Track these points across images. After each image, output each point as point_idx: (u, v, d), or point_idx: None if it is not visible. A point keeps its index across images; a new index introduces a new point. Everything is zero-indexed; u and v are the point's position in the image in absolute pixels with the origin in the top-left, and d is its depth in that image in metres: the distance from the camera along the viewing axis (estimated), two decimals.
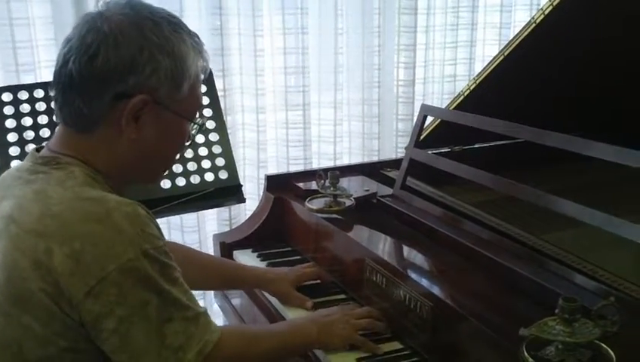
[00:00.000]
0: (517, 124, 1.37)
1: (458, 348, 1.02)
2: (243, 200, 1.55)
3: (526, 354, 0.80)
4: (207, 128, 1.58)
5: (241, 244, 1.73)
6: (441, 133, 1.78)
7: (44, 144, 0.97)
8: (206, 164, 1.55)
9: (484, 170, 1.50)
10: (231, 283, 1.43)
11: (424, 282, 1.12)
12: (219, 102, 1.62)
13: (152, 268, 0.84)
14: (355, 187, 1.74)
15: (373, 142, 2.16)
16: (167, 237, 2.00)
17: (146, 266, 0.83)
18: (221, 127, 1.59)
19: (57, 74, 0.91)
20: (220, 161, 1.56)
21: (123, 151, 0.92)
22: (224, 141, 1.58)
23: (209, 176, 1.54)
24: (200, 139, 1.57)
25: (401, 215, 1.49)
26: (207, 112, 1.60)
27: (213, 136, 1.58)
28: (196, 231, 2.00)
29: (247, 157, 2.06)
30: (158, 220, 1.90)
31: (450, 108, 1.79)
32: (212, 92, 1.62)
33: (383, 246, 1.37)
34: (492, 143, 1.89)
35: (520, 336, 0.79)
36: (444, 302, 1.05)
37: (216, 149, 1.57)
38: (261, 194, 1.79)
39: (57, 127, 0.96)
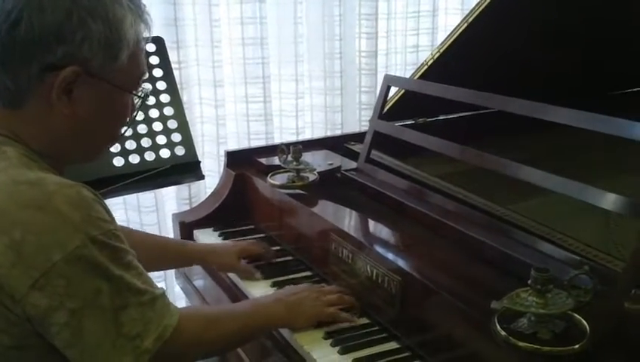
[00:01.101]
0: (482, 92, 1.33)
1: (428, 322, 0.99)
2: (202, 177, 1.49)
3: (498, 326, 0.77)
4: (161, 102, 1.51)
5: (202, 223, 1.68)
6: (404, 105, 1.75)
7: None
8: (161, 139, 1.48)
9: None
10: (176, 261, 1.40)
11: (391, 256, 1.09)
12: (172, 74, 1.54)
13: (102, 254, 0.78)
14: (318, 161, 1.70)
15: (336, 115, 2.12)
16: (124, 218, 1.94)
17: (95, 253, 0.77)
18: (176, 101, 1.52)
19: None
20: (177, 137, 1.49)
21: (58, 128, 0.84)
22: (180, 115, 1.51)
23: (165, 153, 1.47)
24: (154, 113, 1.49)
25: (365, 188, 1.46)
26: (161, 85, 1.53)
27: (168, 111, 1.51)
28: (154, 211, 1.93)
29: (206, 133, 1.99)
30: (112, 200, 1.84)
31: (414, 79, 1.75)
32: (165, 63, 1.54)
33: (348, 220, 1.33)
34: (456, 115, 1.89)
35: (492, 309, 0.76)
36: (412, 275, 1.02)
37: (172, 124, 1.50)
38: (221, 171, 1.73)
39: None
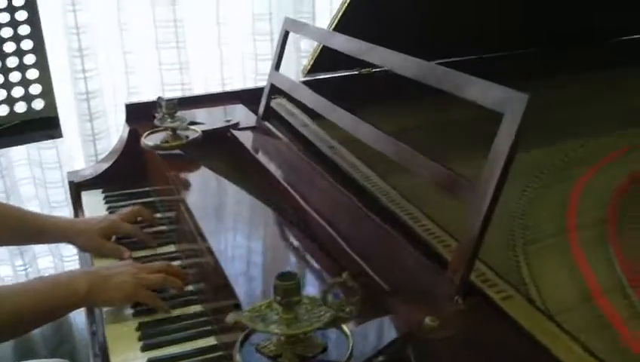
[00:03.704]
0: (375, 47, 1.09)
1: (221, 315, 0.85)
2: (59, 135, 1.34)
3: (238, 345, 0.61)
4: (22, 49, 1.36)
5: (91, 184, 1.56)
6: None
7: None
8: (18, 91, 1.33)
9: (387, 95, 1.34)
10: (30, 238, 1.29)
11: (211, 237, 0.93)
12: (38, 18, 1.38)
13: None
14: (219, 117, 1.54)
15: (267, 63, 1.92)
16: (29, 174, 1.82)
17: None
18: (40, 49, 1.37)
19: None
20: (36, 89, 1.34)
21: None
22: (42, 65, 1.37)
23: (20, 107, 1.32)
24: (13, 62, 1.34)
25: (245, 152, 1.30)
26: (24, 30, 1.37)
27: (29, 59, 1.36)
28: (57, 167, 1.80)
29: (117, 83, 1.83)
30: (15, 155, 1.72)
31: (334, 23, 1.53)
32: (30, 4, 1.37)
33: (200, 190, 1.18)
34: None
35: (227, 322, 0.60)
36: (216, 262, 0.86)
37: (32, 74, 1.35)
38: None
39: None
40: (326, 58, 1.65)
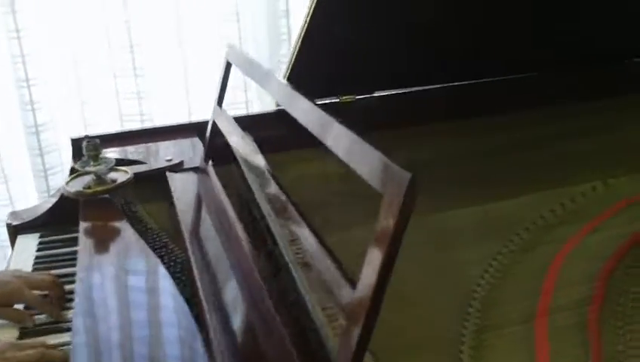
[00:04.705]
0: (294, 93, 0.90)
1: None
2: None
3: None
4: None
5: (29, 226, 1.42)
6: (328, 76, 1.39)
7: None
8: None
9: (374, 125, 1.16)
10: None
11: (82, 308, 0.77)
12: None
13: None
14: (166, 154, 1.39)
15: (239, 93, 1.76)
16: None
17: None
18: None
19: None
20: None
21: None
22: None
23: None
24: None
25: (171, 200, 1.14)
26: None
27: None
28: (8, 204, 1.67)
29: (72, 115, 1.69)
30: None
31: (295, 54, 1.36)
32: None
33: (106, 248, 1.02)
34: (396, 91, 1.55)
35: None
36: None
37: None
38: None
39: None
40: (299, 83, 1.47)
